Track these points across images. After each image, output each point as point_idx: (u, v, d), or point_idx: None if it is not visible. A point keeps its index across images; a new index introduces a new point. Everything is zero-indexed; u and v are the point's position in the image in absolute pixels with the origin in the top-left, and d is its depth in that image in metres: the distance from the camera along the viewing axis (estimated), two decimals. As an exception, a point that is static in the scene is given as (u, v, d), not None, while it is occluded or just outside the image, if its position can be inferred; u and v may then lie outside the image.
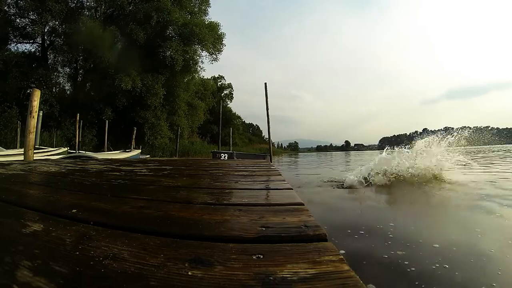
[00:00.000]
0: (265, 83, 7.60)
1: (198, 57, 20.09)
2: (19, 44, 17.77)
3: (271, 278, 0.39)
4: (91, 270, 0.42)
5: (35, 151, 4.10)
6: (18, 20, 16.88)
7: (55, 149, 7.68)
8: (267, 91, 7.48)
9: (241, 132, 45.75)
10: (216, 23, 20.34)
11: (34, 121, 3.71)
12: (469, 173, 4.41)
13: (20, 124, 11.27)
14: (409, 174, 3.83)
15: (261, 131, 62.27)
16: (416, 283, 1.02)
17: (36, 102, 3.75)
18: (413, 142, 4.98)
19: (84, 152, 9.51)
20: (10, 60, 15.56)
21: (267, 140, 9.33)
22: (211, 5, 20.93)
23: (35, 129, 3.79)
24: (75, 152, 8.50)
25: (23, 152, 3.81)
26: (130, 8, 18.61)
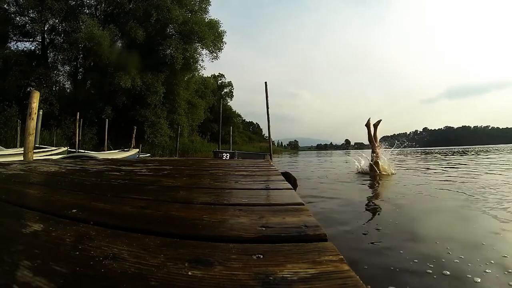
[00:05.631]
0: (265, 82, 7.60)
1: (198, 56, 20.07)
2: (19, 43, 17.83)
3: (271, 278, 0.39)
4: (91, 270, 0.42)
5: (34, 150, 4.09)
6: (18, 18, 16.88)
7: (54, 148, 7.68)
8: (268, 90, 7.48)
9: (241, 131, 45.74)
10: (216, 21, 20.27)
11: (33, 123, 3.66)
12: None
13: (20, 122, 11.27)
14: None
15: (261, 130, 62.24)
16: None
17: (35, 104, 3.71)
18: None
19: (83, 151, 9.53)
20: (10, 58, 15.55)
21: (267, 138, 9.33)
22: (211, 3, 20.86)
23: (34, 131, 3.77)
24: (75, 152, 8.51)
25: (22, 152, 3.80)
26: (130, 6, 18.56)
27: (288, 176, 3.32)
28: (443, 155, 15.05)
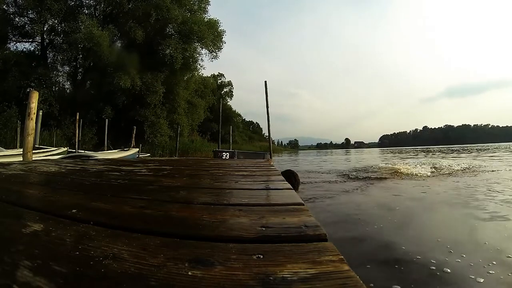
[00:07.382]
0: (265, 82, 7.58)
1: (197, 55, 20.03)
2: (19, 43, 17.75)
3: (271, 278, 0.39)
4: (91, 270, 0.42)
5: (34, 151, 4.08)
6: (17, 19, 16.84)
7: (54, 149, 7.68)
8: (267, 90, 7.46)
9: (241, 130, 45.74)
10: (215, 21, 20.22)
11: (32, 123, 3.65)
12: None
13: (20, 123, 11.26)
14: None
15: (261, 129, 62.31)
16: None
17: (34, 104, 3.69)
18: None
19: (83, 151, 9.53)
20: (9, 59, 15.51)
21: (267, 137, 9.33)
22: (210, 2, 20.82)
23: (33, 131, 3.75)
24: (75, 152, 8.51)
25: (22, 153, 3.79)
26: (129, 6, 18.52)
27: (289, 175, 3.34)
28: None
